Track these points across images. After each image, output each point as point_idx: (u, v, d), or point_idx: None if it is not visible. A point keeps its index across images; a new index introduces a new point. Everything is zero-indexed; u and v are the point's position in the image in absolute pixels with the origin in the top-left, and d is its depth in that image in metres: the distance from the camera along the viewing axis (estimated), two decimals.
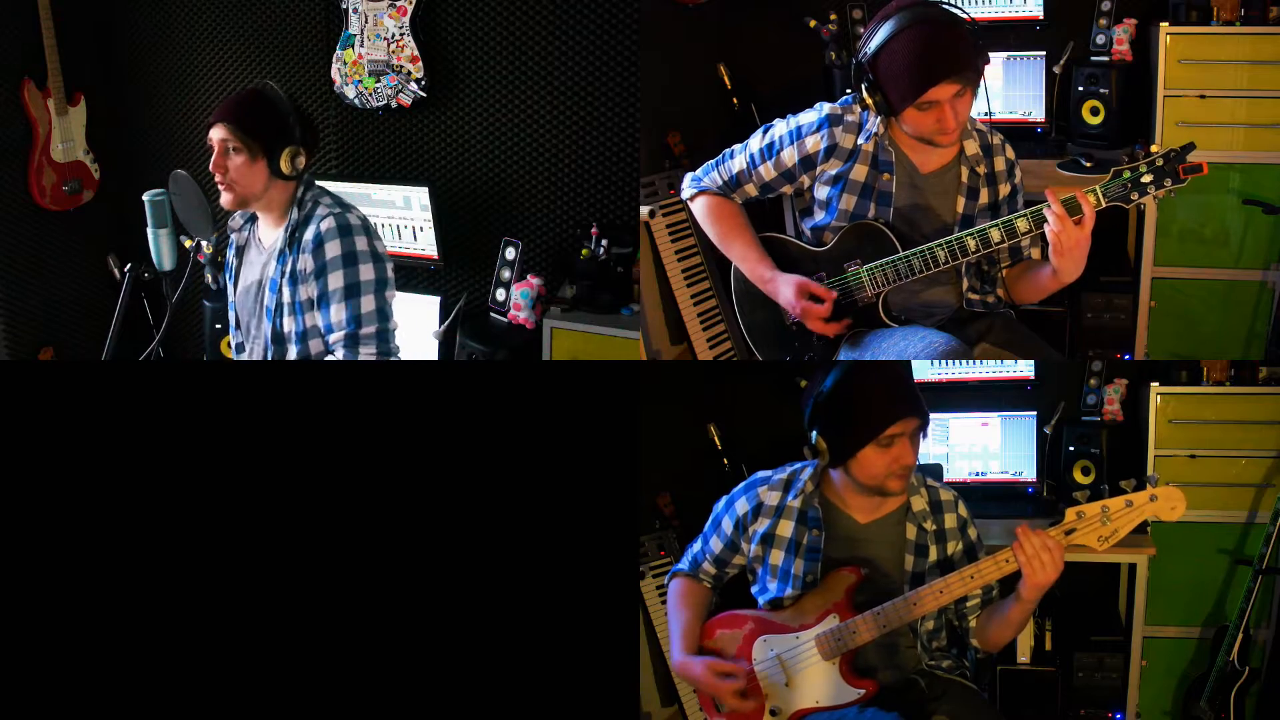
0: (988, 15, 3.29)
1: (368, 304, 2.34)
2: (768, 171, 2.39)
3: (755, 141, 2.41)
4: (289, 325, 2.40)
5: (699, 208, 2.51)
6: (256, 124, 2.38)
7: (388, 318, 2.39)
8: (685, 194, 2.54)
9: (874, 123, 2.30)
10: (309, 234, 2.36)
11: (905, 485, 2.11)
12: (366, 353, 2.35)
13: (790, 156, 2.36)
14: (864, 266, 2.32)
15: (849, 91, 2.38)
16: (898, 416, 2.04)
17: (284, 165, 2.38)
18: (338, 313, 2.33)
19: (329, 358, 2.39)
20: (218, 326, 3.55)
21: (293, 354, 2.43)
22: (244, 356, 2.55)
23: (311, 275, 2.35)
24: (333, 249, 2.34)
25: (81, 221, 3.87)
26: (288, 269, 2.38)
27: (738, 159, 2.43)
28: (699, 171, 2.50)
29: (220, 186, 2.40)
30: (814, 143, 2.34)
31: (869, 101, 2.23)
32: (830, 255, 2.37)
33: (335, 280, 2.33)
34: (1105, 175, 2.15)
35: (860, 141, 2.31)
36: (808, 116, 2.36)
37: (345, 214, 2.39)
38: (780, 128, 2.39)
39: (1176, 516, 1.97)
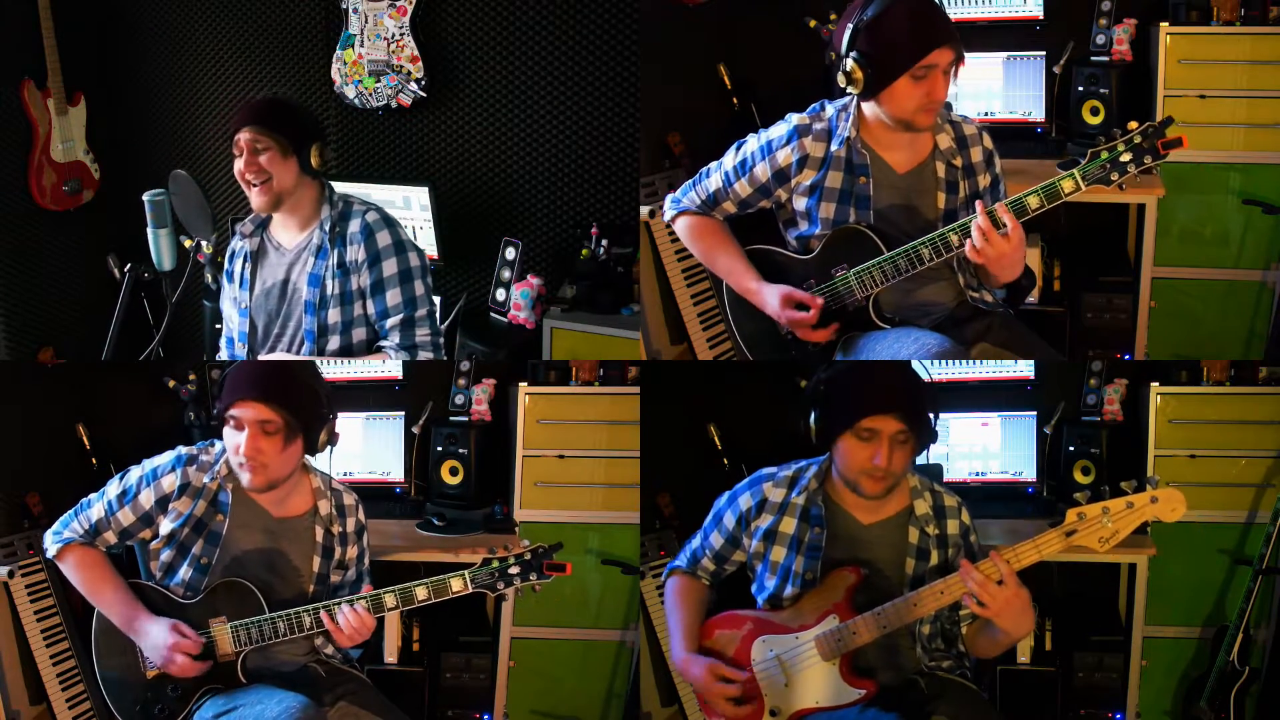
0: (988, 15, 3.29)
1: (419, 288, 2.50)
2: (743, 188, 2.40)
3: (729, 159, 2.42)
4: (334, 317, 2.47)
5: (681, 228, 2.53)
6: (281, 122, 2.44)
7: (432, 301, 2.56)
8: (666, 216, 2.56)
9: (845, 127, 2.30)
10: (353, 227, 2.47)
11: (882, 488, 2.09)
12: (421, 334, 2.50)
13: (763, 171, 2.36)
14: (850, 270, 2.32)
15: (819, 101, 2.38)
16: (874, 411, 2.04)
17: (313, 160, 2.46)
18: (394, 297, 2.47)
19: (382, 343, 2.50)
20: (217, 326, 3.54)
21: (334, 344, 2.49)
22: (265, 356, 2.56)
23: (365, 264, 2.45)
24: (384, 238, 2.47)
25: (81, 221, 3.87)
26: (331, 263, 2.45)
27: (714, 177, 2.44)
28: (678, 192, 2.52)
29: (254, 189, 2.43)
30: (785, 156, 2.34)
31: (858, 75, 2.19)
32: (817, 262, 2.36)
33: (390, 266, 2.46)
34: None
35: (833, 148, 2.31)
36: (777, 130, 2.36)
37: (381, 209, 2.52)
38: (751, 144, 2.39)
39: (1177, 518, 1.97)
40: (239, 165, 2.43)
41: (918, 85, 2.16)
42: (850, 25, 2.18)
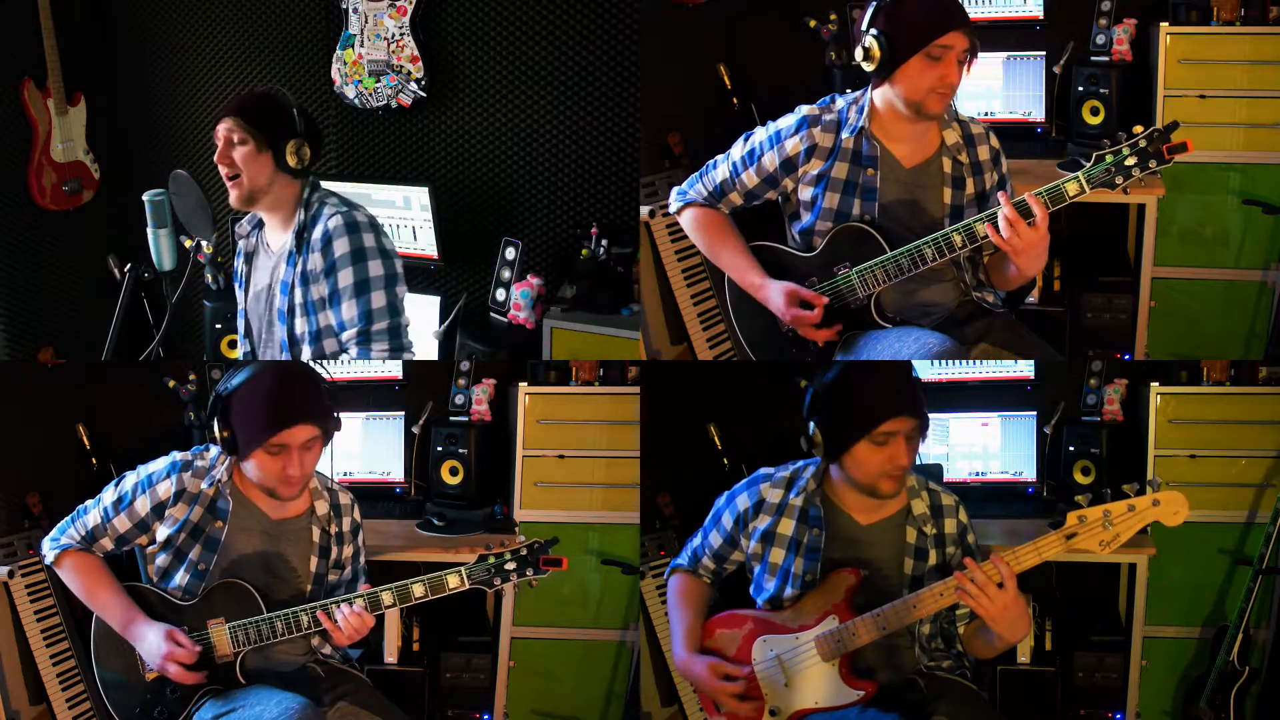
0: (988, 15, 3.29)
1: (378, 300, 2.35)
2: (750, 179, 2.40)
3: (736, 150, 2.42)
4: (301, 326, 2.41)
5: (686, 220, 2.52)
6: (261, 116, 2.39)
7: (399, 313, 2.40)
8: (672, 207, 2.55)
9: (858, 118, 2.30)
10: (317, 233, 2.37)
11: (898, 486, 2.10)
12: (379, 349, 2.36)
13: (771, 161, 2.36)
14: (853, 269, 2.32)
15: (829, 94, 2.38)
16: (893, 414, 2.04)
17: (289, 158, 2.38)
18: (349, 310, 2.34)
19: (343, 356, 2.41)
20: (218, 326, 3.55)
21: (306, 355, 2.44)
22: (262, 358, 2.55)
23: (321, 274, 2.36)
24: (341, 246, 2.34)
25: (81, 221, 3.86)
26: (298, 270, 2.39)
27: (720, 169, 2.44)
28: (684, 184, 2.52)
29: (228, 183, 2.40)
30: (793, 145, 2.34)
31: (875, 52, 2.22)
32: (819, 260, 2.37)
33: (345, 277, 2.34)
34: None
35: (843, 135, 2.31)
36: (786, 120, 2.37)
37: (352, 212, 2.40)
38: (760, 134, 2.39)
39: (1179, 521, 1.96)
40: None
41: (932, 67, 2.18)
42: (873, 5, 2.23)
